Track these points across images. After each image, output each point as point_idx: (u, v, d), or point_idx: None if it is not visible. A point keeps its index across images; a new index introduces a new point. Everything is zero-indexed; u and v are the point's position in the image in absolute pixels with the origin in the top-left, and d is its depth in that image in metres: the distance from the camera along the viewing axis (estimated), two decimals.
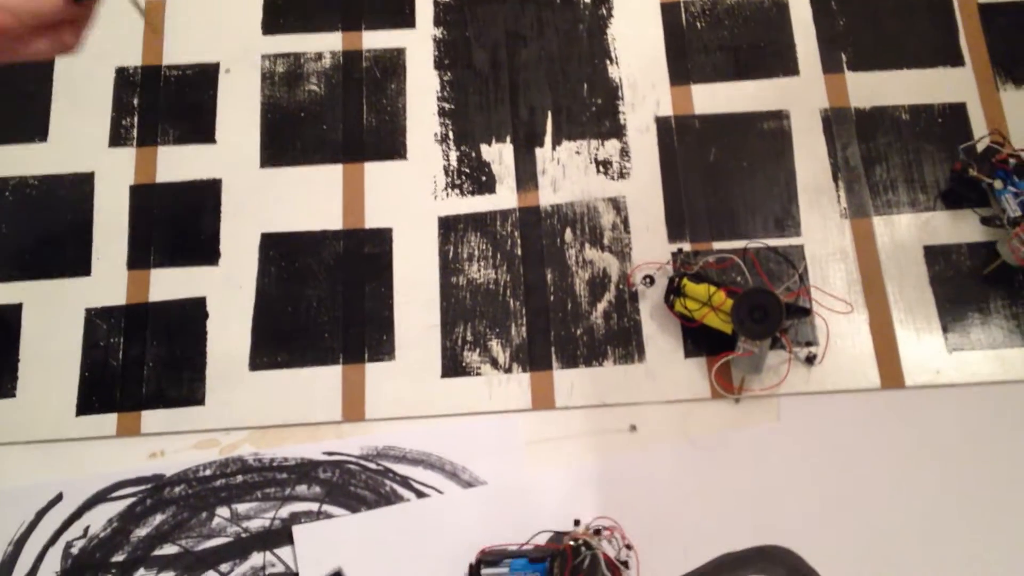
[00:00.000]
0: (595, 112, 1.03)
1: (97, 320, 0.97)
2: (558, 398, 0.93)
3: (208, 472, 0.91)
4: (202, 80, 1.05)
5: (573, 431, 0.92)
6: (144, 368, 0.95)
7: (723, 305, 0.90)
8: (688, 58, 1.04)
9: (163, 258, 0.99)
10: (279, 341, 0.95)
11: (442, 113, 1.03)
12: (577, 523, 0.84)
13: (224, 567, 0.88)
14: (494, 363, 0.94)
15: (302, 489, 0.91)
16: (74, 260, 0.98)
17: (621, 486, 0.90)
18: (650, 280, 0.95)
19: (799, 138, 1.00)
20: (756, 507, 0.88)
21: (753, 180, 0.99)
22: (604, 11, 1.06)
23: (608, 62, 1.04)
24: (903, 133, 1.00)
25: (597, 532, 0.83)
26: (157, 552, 0.89)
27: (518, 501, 0.89)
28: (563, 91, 1.03)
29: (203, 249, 0.99)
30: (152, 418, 0.94)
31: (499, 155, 1.02)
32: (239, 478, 0.91)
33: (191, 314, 0.97)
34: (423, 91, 1.04)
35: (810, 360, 0.92)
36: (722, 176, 0.99)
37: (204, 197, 1.00)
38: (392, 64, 1.05)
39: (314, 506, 0.90)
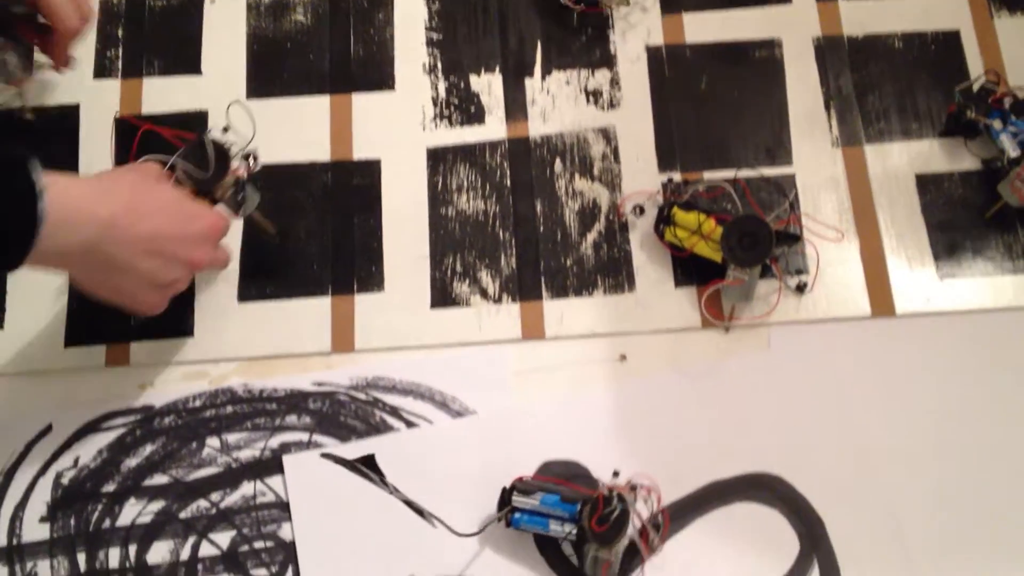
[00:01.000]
0: (585, 42, 1.01)
1: None
2: (548, 328, 0.92)
3: (198, 403, 0.91)
4: (187, 10, 1.04)
5: (563, 361, 0.92)
6: None
7: (713, 233, 0.89)
8: None
9: None
10: (268, 273, 0.95)
11: (430, 43, 1.02)
12: (616, 474, 0.83)
13: (214, 496, 0.89)
14: (484, 294, 0.94)
15: (292, 420, 0.90)
16: None
17: (611, 415, 0.90)
18: (640, 210, 0.95)
19: (791, 67, 0.99)
20: (746, 435, 0.88)
21: (744, 109, 0.98)
22: None
23: None
24: (896, 61, 0.99)
25: (633, 488, 0.82)
26: (147, 482, 0.89)
27: (508, 431, 0.89)
28: (553, 20, 1.01)
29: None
30: (141, 349, 0.93)
31: (488, 86, 1.00)
32: (229, 409, 0.91)
33: None
34: (411, 21, 1.03)
35: (800, 289, 0.91)
36: (713, 105, 0.99)
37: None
38: None
39: (304, 436, 0.90)
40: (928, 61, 0.99)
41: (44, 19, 0.91)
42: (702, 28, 1.02)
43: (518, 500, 0.82)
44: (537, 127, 0.99)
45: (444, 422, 0.90)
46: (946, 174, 0.95)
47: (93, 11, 0.94)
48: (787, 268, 0.92)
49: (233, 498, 0.89)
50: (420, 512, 0.84)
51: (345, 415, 0.91)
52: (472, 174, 0.98)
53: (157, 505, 0.89)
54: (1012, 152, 0.90)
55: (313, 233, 0.96)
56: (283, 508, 0.88)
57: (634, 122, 0.99)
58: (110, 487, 0.89)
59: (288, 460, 0.90)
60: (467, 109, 1.00)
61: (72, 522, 0.88)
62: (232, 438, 0.91)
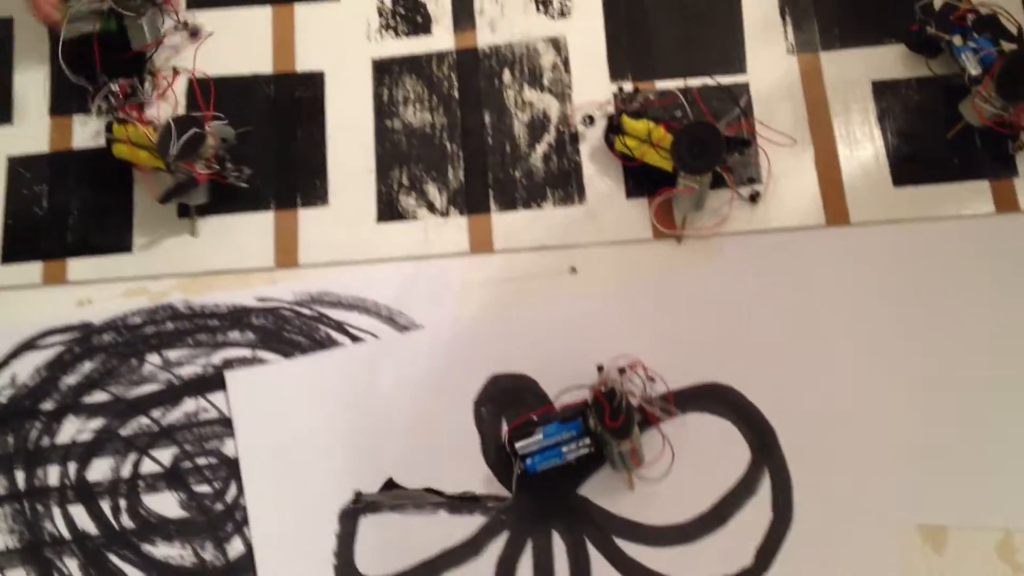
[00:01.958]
0: None
1: (20, 168, 0.94)
2: (496, 241, 0.90)
3: (137, 320, 0.89)
4: None
5: (512, 274, 0.90)
6: (69, 216, 0.92)
7: (663, 141, 0.87)
8: None
9: (86, 103, 0.95)
10: (207, 187, 0.92)
11: None
12: (601, 368, 0.82)
13: (156, 413, 0.87)
14: (431, 207, 0.91)
15: (235, 335, 0.88)
16: None
17: (560, 328, 0.88)
18: (590, 120, 0.93)
19: None
20: (698, 346, 0.87)
21: (698, 17, 0.96)
22: None
23: None
24: None
25: (622, 371, 0.81)
26: (87, 400, 0.87)
27: (456, 344, 0.87)
28: None
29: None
30: (79, 266, 0.91)
31: None
32: (169, 325, 0.89)
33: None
34: None
35: (754, 198, 0.89)
36: (666, 13, 0.96)
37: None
38: None
39: (247, 352, 0.88)
40: None
41: None
42: None
43: (523, 445, 0.81)
44: (486, 37, 0.96)
45: (390, 337, 0.88)
46: (903, 81, 0.94)
47: None
48: (740, 178, 0.90)
49: (175, 415, 0.87)
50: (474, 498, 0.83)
51: (289, 330, 0.88)
52: (419, 86, 0.95)
53: (97, 423, 0.87)
54: (973, 70, 0.87)
55: (255, 146, 0.94)
56: (226, 424, 0.87)
57: (585, 31, 0.96)
58: (48, 405, 0.87)
59: (231, 376, 0.88)
60: (413, 19, 0.97)
61: (10, 440, 0.86)
62: (173, 355, 0.88)
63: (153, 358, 0.88)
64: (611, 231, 0.90)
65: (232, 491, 0.84)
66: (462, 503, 0.83)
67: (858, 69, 0.93)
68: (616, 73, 0.95)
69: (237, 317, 0.89)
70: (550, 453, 0.80)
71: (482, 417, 0.85)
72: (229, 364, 0.88)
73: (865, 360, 0.85)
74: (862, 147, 0.91)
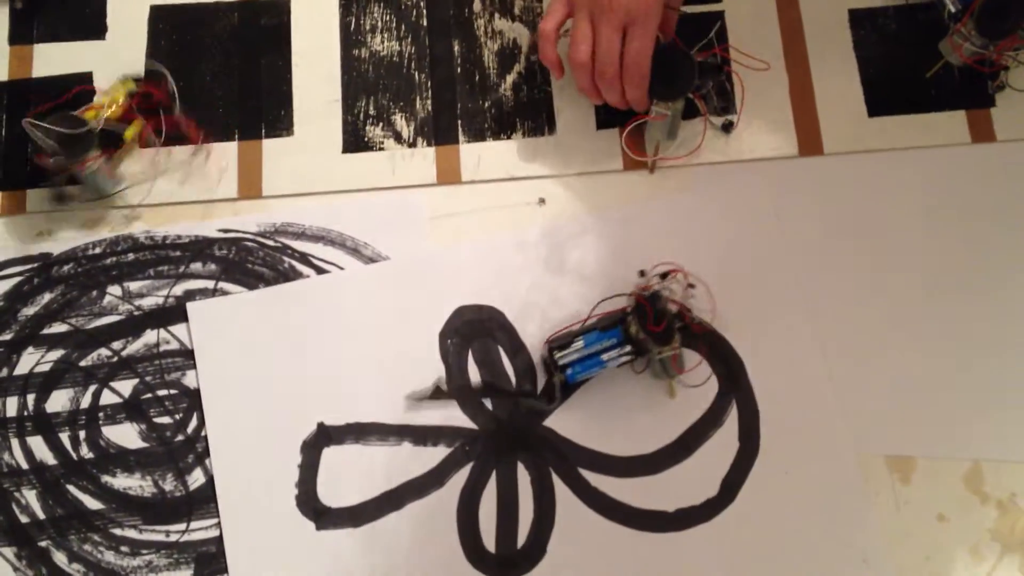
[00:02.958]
0: None
1: None
2: (464, 172, 0.89)
3: (97, 250, 0.88)
4: None
5: (480, 206, 0.89)
6: (28, 146, 0.90)
7: None
8: None
9: (47, 32, 0.93)
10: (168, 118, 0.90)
11: None
12: (642, 273, 0.82)
13: (116, 344, 0.85)
14: (398, 137, 0.89)
15: (197, 267, 0.87)
16: None
17: (529, 260, 0.86)
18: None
19: None
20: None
21: None
22: None
23: None
24: None
25: (664, 276, 0.80)
26: (46, 331, 0.86)
27: (422, 277, 0.86)
28: None
29: (89, 22, 0.92)
30: (37, 197, 0.89)
31: None
32: (130, 256, 0.87)
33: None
34: None
35: (727, 127, 0.88)
36: None
37: None
38: None
39: (210, 284, 0.87)
40: None
41: None
42: None
43: (562, 355, 0.80)
44: None
45: (356, 268, 0.87)
46: (880, 9, 0.92)
47: None
48: (713, 107, 0.88)
49: (136, 346, 0.85)
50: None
51: (252, 262, 0.87)
52: (386, 14, 0.93)
53: (56, 354, 0.85)
54: (952, 7, 0.85)
55: (218, 76, 0.92)
56: (187, 356, 0.85)
57: None
58: (7, 336, 0.86)
59: (192, 307, 0.86)
60: None
61: None
62: (134, 286, 0.87)
63: (114, 289, 0.86)
64: (581, 162, 0.89)
65: (193, 423, 0.83)
66: (427, 434, 0.81)
67: None
68: None
69: (199, 248, 0.87)
70: (591, 362, 0.79)
71: (448, 349, 0.84)
72: (191, 295, 0.86)
73: (835, 292, 0.84)
74: (837, 77, 0.90)
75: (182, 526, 0.81)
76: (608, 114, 0.90)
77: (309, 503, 0.81)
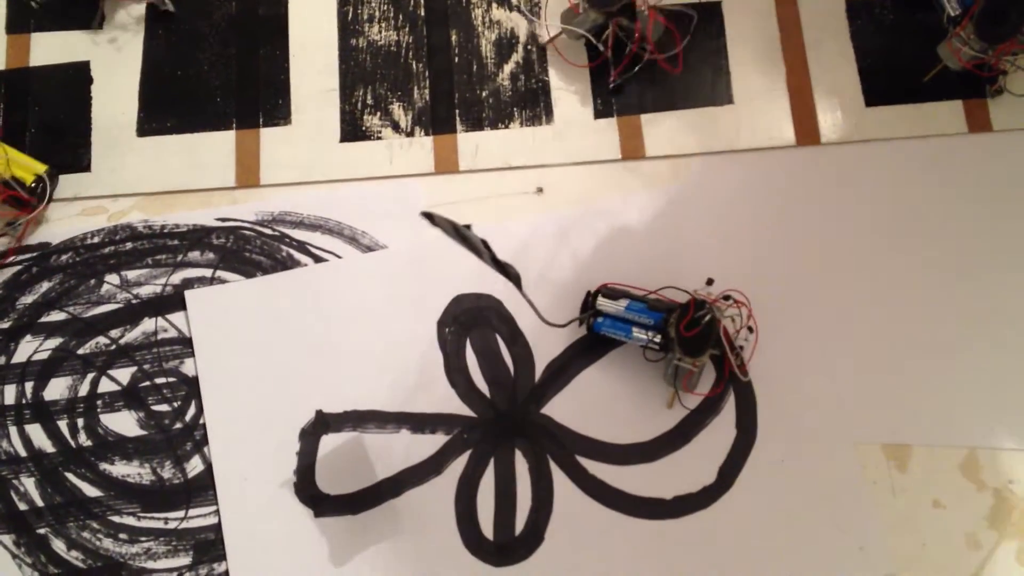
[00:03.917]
0: None
1: None
2: (462, 161, 0.89)
3: (96, 239, 0.88)
4: None
5: (478, 194, 0.88)
6: (26, 134, 0.90)
7: None
8: None
9: (44, 21, 0.92)
10: (168, 106, 0.91)
11: None
12: (710, 282, 0.80)
13: (114, 333, 0.85)
14: (395, 127, 0.90)
15: (195, 255, 0.87)
16: None
17: (526, 249, 0.86)
18: None
19: None
20: (665, 266, 0.86)
21: None
22: None
23: None
24: None
25: (727, 298, 0.79)
26: (44, 319, 0.86)
27: (420, 265, 0.86)
28: None
29: (86, 11, 0.92)
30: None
31: None
32: (128, 245, 0.87)
33: (74, 79, 0.91)
34: None
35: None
36: None
37: None
38: None
39: (208, 272, 0.87)
40: None
41: None
42: None
43: (603, 304, 0.79)
44: None
45: (353, 257, 0.87)
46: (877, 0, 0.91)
47: None
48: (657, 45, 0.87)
49: (134, 334, 0.85)
50: (518, 284, 0.74)
51: (250, 250, 0.87)
52: (384, 4, 0.94)
53: (54, 342, 0.85)
54: (952, 11, 0.85)
55: (216, 65, 0.92)
56: (186, 344, 0.85)
57: None
58: (5, 324, 0.86)
59: (191, 295, 0.86)
60: None
61: None
62: (132, 274, 0.87)
63: (112, 278, 0.86)
64: (578, 151, 0.89)
65: (192, 410, 0.83)
66: (425, 422, 0.81)
67: None
68: None
69: (197, 237, 0.87)
70: (621, 325, 0.79)
71: (446, 337, 0.84)
72: (189, 284, 0.86)
73: (833, 281, 0.84)
74: (834, 67, 0.90)
75: (180, 513, 0.81)
76: (605, 104, 0.89)
77: (307, 490, 0.81)
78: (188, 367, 0.84)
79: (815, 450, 0.80)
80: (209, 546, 0.80)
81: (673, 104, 0.88)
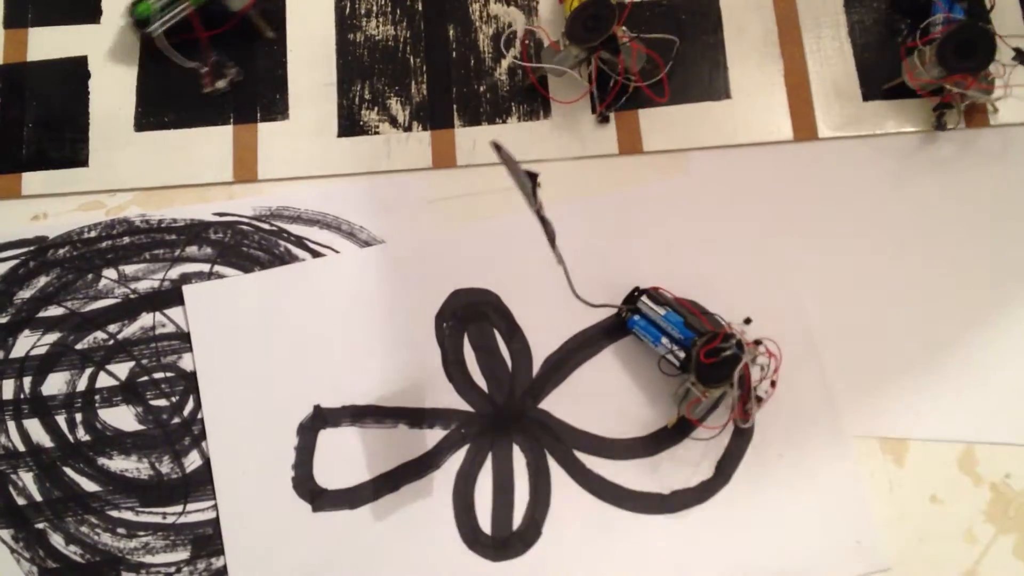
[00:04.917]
0: None
1: None
2: (459, 156, 0.89)
3: (93, 234, 0.88)
4: None
5: (475, 189, 0.88)
6: (23, 129, 0.90)
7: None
8: None
9: (41, 15, 0.93)
10: (166, 101, 0.91)
11: None
12: (748, 321, 0.79)
13: (112, 328, 0.85)
14: (393, 122, 0.89)
15: (192, 250, 0.87)
16: None
17: (523, 244, 0.86)
18: None
19: None
20: (664, 262, 0.86)
21: None
22: None
23: None
24: None
25: (758, 343, 0.77)
26: (42, 314, 0.86)
27: (418, 260, 0.86)
28: None
29: (84, 6, 0.92)
30: (33, 180, 0.89)
31: None
32: (126, 239, 0.87)
33: (72, 74, 0.91)
34: None
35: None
36: None
37: None
38: None
39: (205, 267, 0.87)
40: None
41: None
42: None
43: (644, 304, 0.79)
44: None
45: (351, 252, 0.87)
46: None
47: None
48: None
49: (131, 329, 0.86)
50: (552, 241, 0.73)
51: (248, 245, 0.87)
52: None
53: (52, 337, 0.86)
54: (935, 25, 0.85)
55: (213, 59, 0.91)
56: (183, 339, 0.85)
57: None
58: (3, 319, 0.86)
59: (189, 290, 0.86)
60: None
61: None
62: (130, 269, 0.87)
63: (109, 273, 0.86)
64: (576, 146, 0.89)
65: (190, 405, 0.83)
66: (423, 417, 0.81)
67: None
68: None
69: (195, 232, 0.87)
70: (653, 330, 0.79)
71: (444, 332, 0.84)
72: (187, 279, 0.86)
73: (830, 275, 0.84)
74: (832, 61, 0.90)
75: (179, 508, 0.81)
76: (602, 100, 0.89)
77: (305, 485, 0.81)
78: (186, 362, 0.84)
79: (812, 444, 0.80)
80: (207, 541, 0.80)
81: (670, 99, 0.88)
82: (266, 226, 0.87)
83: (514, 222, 0.86)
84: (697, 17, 0.89)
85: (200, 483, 0.81)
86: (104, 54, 0.92)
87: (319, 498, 0.80)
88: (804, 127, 0.88)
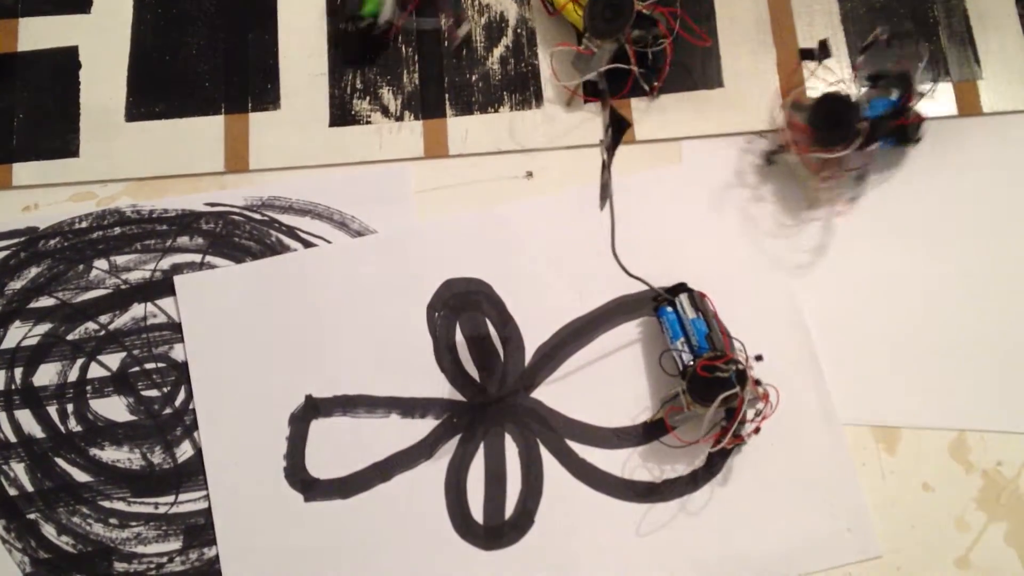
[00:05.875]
0: None
1: None
2: (452, 146, 0.89)
3: (84, 224, 0.87)
4: None
5: (467, 179, 0.88)
6: (14, 120, 0.90)
7: None
8: None
9: (32, 5, 0.92)
10: (157, 91, 0.90)
11: None
12: (760, 358, 0.79)
13: (103, 318, 0.85)
14: (385, 111, 0.89)
15: (184, 241, 0.87)
16: None
17: (516, 234, 0.86)
18: None
19: None
20: (657, 251, 0.85)
21: None
22: None
23: None
24: None
25: (758, 383, 0.77)
26: (33, 304, 0.86)
27: (410, 250, 0.86)
28: None
29: None
30: (24, 170, 0.89)
31: None
32: (117, 230, 0.87)
33: (62, 64, 0.91)
34: None
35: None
36: None
37: None
38: None
39: (197, 257, 0.86)
40: None
41: None
42: None
43: (681, 301, 0.79)
44: None
45: (343, 242, 0.87)
46: None
47: None
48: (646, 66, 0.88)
49: (123, 320, 0.85)
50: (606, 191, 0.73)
51: (239, 235, 0.87)
52: None
53: (43, 327, 0.85)
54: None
55: (205, 49, 0.92)
56: (175, 329, 0.85)
57: None
58: None
59: (180, 281, 0.86)
60: None
61: None
62: (121, 260, 0.87)
63: (100, 263, 0.86)
64: (569, 135, 0.89)
65: (181, 395, 0.83)
66: (415, 406, 0.81)
67: None
68: None
69: (186, 222, 0.87)
70: (677, 330, 0.79)
71: (435, 321, 0.84)
72: (178, 269, 0.86)
73: (823, 263, 0.84)
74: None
75: (171, 498, 0.81)
76: (595, 87, 0.89)
77: (297, 475, 0.81)
78: (177, 352, 0.84)
79: (804, 432, 0.80)
80: (199, 531, 0.80)
81: (663, 88, 0.88)
82: (257, 216, 0.87)
83: (506, 212, 0.86)
84: (690, 5, 0.89)
85: (192, 473, 0.81)
86: (95, 44, 0.91)
87: (311, 488, 0.80)
88: None
